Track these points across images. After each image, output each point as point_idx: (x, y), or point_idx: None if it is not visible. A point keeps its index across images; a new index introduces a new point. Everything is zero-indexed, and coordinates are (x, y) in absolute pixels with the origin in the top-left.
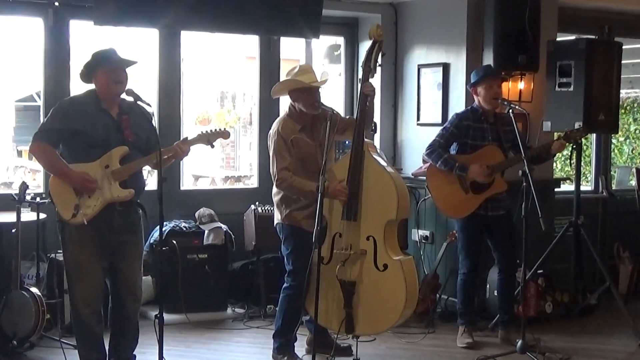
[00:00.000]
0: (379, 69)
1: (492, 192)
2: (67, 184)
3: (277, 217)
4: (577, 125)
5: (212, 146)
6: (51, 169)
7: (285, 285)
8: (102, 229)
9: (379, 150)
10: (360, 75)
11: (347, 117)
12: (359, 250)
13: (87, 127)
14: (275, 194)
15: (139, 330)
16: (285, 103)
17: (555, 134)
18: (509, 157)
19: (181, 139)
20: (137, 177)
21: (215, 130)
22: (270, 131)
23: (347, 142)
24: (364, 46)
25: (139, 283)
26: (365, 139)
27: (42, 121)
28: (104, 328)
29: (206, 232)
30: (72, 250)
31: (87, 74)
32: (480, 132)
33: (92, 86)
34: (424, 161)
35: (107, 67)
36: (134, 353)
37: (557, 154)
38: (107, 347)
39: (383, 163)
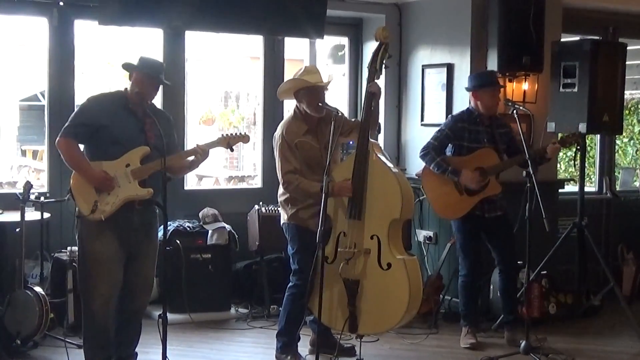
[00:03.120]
0: (384, 70)
1: (486, 194)
2: (87, 181)
3: (283, 217)
4: (580, 126)
5: (232, 150)
6: (73, 165)
7: (290, 284)
8: (121, 226)
9: (383, 151)
10: (365, 76)
11: (353, 119)
12: (363, 249)
13: (112, 123)
14: (281, 194)
15: (141, 327)
16: (289, 103)
17: (559, 135)
18: (504, 160)
19: (185, 139)
20: (156, 177)
21: (236, 134)
22: (275, 134)
23: (351, 143)
24: (368, 47)
25: (150, 282)
26: (370, 139)
27: (55, 124)
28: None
29: (210, 232)
30: (92, 246)
31: (129, 68)
32: (475, 135)
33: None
34: None
35: (147, 76)
36: (136, 351)
37: (561, 155)
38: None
39: (388, 163)
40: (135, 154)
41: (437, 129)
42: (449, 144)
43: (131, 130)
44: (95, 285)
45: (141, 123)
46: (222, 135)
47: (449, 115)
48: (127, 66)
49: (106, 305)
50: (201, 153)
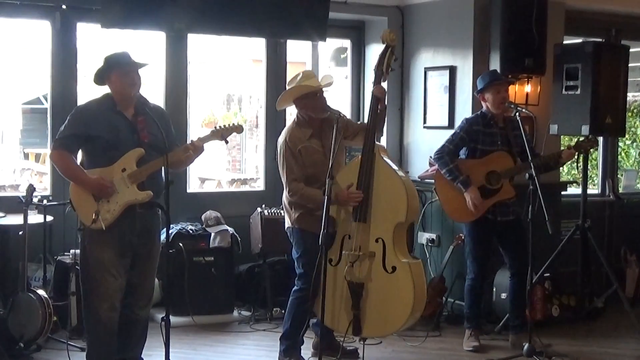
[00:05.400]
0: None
1: (499, 198)
2: (85, 190)
3: (288, 221)
4: (583, 128)
5: (227, 142)
6: (69, 176)
7: (295, 288)
8: (123, 232)
9: (388, 154)
10: (372, 79)
11: (359, 122)
12: (367, 252)
13: (103, 131)
14: (286, 198)
15: (146, 332)
16: (291, 107)
17: (562, 137)
18: (518, 164)
19: (188, 141)
20: (155, 178)
21: (228, 125)
22: (279, 140)
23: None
24: (371, 49)
25: (151, 285)
26: (376, 142)
27: (57, 127)
28: None
29: (212, 234)
30: (95, 252)
31: (101, 77)
32: (490, 137)
33: (107, 90)
34: (431, 164)
35: (120, 71)
36: (142, 356)
37: None
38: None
39: (393, 166)
40: (130, 157)
41: (439, 131)
42: (464, 147)
43: (123, 133)
44: (100, 293)
45: (132, 123)
46: (215, 127)
47: (464, 119)
48: (99, 76)
49: (111, 310)
50: (195, 149)
